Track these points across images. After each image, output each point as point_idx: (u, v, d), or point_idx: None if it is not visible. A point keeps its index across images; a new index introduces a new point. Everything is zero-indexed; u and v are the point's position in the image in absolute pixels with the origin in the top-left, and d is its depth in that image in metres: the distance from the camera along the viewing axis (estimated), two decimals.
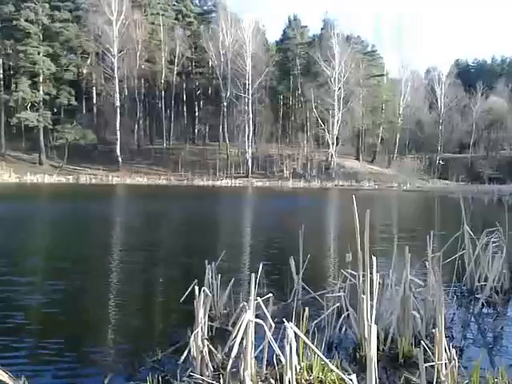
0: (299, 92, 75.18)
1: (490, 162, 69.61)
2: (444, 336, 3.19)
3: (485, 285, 5.84)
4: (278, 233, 12.97)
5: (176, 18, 74.59)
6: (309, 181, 62.79)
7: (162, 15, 70.64)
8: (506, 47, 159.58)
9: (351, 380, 2.59)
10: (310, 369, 3.43)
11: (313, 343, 3.63)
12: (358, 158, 73.35)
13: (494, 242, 6.22)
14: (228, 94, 66.00)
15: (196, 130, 76.00)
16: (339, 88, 66.34)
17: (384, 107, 74.84)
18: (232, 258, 8.18)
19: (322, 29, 76.70)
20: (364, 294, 2.35)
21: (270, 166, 67.23)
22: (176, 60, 69.34)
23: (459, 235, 6.40)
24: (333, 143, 66.82)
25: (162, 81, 67.99)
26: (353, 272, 4.74)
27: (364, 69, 71.30)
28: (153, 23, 69.35)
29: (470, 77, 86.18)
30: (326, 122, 67.52)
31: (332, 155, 66.89)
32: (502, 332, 4.86)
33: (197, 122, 75.65)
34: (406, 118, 73.56)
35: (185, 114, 73.80)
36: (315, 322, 4.37)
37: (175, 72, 69.64)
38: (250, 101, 65.44)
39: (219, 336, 4.26)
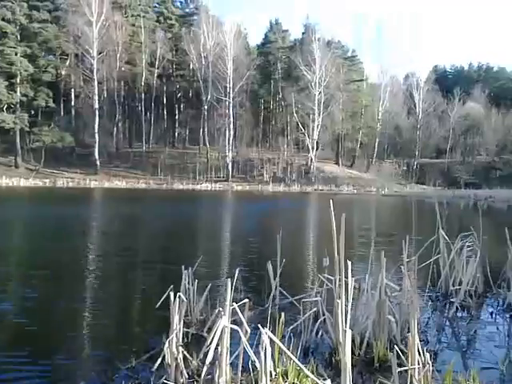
0: (280, 96, 75.56)
1: (466, 167, 70.95)
2: (418, 340, 3.22)
3: (459, 289, 5.92)
4: (257, 237, 12.95)
5: (157, 20, 74.27)
6: (289, 185, 63.05)
7: (143, 17, 70.22)
8: (483, 54, 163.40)
9: None
10: (285, 374, 3.42)
11: (289, 348, 3.63)
12: (337, 163, 73.99)
13: (468, 247, 6.32)
14: (209, 97, 65.89)
15: (176, 134, 75.65)
16: (319, 92, 66.89)
17: (363, 112, 75.77)
18: (210, 264, 8.13)
19: (303, 33, 77.33)
20: (339, 298, 2.35)
21: (250, 169, 67.28)
22: (157, 62, 68.98)
23: (434, 240, 6.49)
24: (313, 148, 67.28)
25: (142, 83, 67.50)
26: (329, 276, 4.76)
27: (344, 74, 72.08)
28: (133, 25, 68.88)
29: (448, 83, 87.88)
30: (306, 127, 67.95)
31: (312, 159, 67.32)
32: (476, 335, 4.93)
33: (177, 125, 75.32)
34: (384, 123, 74.57)
35: (165, 116, 73.41)
36: (292, 327, 4.37)
37: (156, 74, 69.25)
38: (231, 104, 65.46)
39: (195, 342, 4.22)
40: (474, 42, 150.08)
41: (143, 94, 68.12)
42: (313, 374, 3.50)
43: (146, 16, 71.18)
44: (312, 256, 9.89)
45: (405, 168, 73.88)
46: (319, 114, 67.23)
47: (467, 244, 6.36)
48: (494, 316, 5.58)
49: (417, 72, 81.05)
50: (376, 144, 74.03)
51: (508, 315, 5.59)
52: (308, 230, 16.06)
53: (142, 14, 70.40)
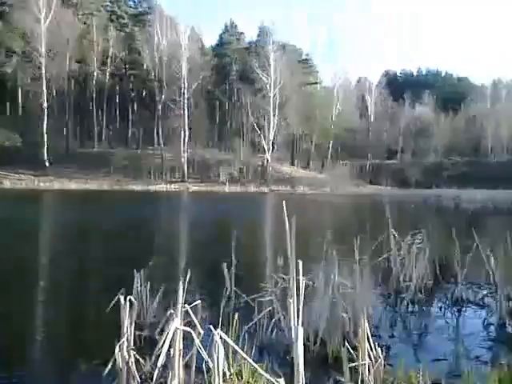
0: (235, 97, 75.64)
1: (416, 168, 73.55)
2: (369, 336, 3.27)
3: (410, 285, 6.09)
4: (213, 238, 12.86)
5: (109, 19, 72.58)
6: (245, 185, 63.20)
7: (95, 15, 68.38)
8: (431, 60, 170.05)
9: (279, 383, 2.59)
10: (239, 374, 3.40)
11: (243, 348, 3.61)
12: (292, 164, 74.97)
13: (417, 243, 6.51)
14: (163, 97, 65.08)
15: (129, 134, 74.16)
16: (275, 95, 67.52)
17: (318, 114, 77.07)
18: (165, 265, 7.99)
19: (258, 36, 77.82)
20: (291, 297, 2.35)
21: (206, 170, 66.97)
22: (109, 61, 67.48)
23: (385, 238, 6.66)
24: (268, 149, 67.79)
25: (94, 82, 65.78)
26: (284, 276, 4.78)
27: (299, 76, 73.08)
28: (85, 23, 67.03)
29: (398, 87, 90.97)
30: (261, 128, 68.40)
31: (268, 160, 67.82)
32: (426, 329, 5.08)
33: (130, 125, 73.87)
34: (338, 124, 76.20)
35: (118, 116, 71.83)
36: (247, 326, 4.36)
37: (108, 73, 67.70)
38: (186, 105, 64.94)
39: (148, 345, 4.13)
40: (424, 48, 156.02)
41: (95, 94, 66.38)
42: (267, 372, 3.49)
43: (97, 14, 69.36)
44: (268, 256, 9.92)
45: (358, 169, 75.73)
46: (274, 116, 67.85)
47: (417, 241, 6.54)
48: (443, 310, 5.77)
49: (369, 76, 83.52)
50: (330, 145, 75.55)
51: (456, 309, 5.79)
52: (264, 231, 16.11)
53: (93, 13, 68.56)
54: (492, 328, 5.00)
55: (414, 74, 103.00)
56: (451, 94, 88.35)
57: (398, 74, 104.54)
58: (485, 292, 6.33)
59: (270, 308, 4.58)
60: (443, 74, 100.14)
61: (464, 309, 5.78)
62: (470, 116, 76.60)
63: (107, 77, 67.66)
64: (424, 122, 77.93)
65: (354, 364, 2.49)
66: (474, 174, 64.49)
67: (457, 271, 6.12)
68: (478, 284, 6.87)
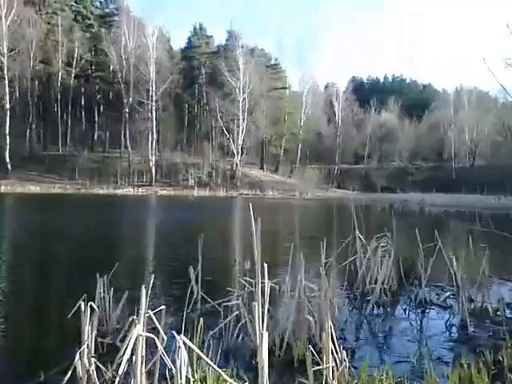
0: (204, 101, 75.39)
1: (382, 172, 75.03)
2: (334, 338, 3.28)
3: (375, 287, 6.16)
4: (180, 243, 12.71)
5: (75, 19, 71.10)
6: (214, 189, 62.94)
7: (59, 15, 66.85)
8: (396, 67, 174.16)
9: None
10: (204, 380, 3.35)
11: (208, 353, 3.56)
12: (262, 168, 75.18)
13: (382, 247, 6.60)
14: (130, 99, 64.20)
15: (95, 137, 72.76)
16: (244, 99, 67.61)
17: (286, 119, 77.63)
18: (130, 271, 7.85)
19: (226, 40, 77.85)
20: (256, 301, 2.33)
21: (174, 174, 66.36)
22: (74, 62, 66.10)
23: (351, 241, 6.74)
24: (238, 153, 67.80)
25: (59, 83, 64.24)
26: (250, 280, 4.75)
27: (267, 81, 73.47)
28: (49, 23, 65.48)
29: (365, 93, 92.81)
30: (230, 132, 68.35)
31: (237, 164, 67.80)
32: (391, 331, 5.14)
33: (96, 127, 72.51)
34: (306, 129, 76.96)
35: (83, 119, 70.37)
36: (213, 331, 4.31)
37: (73, 75, 66.33)
38: (154, 108, 64.27)
39: (111, 352, 4.01)
40: (389, 55, 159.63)
41: (59, 95, 64.81)
42: (232, 377, 3.45)
43: (62, 14, 67.82)
44: (236, 259, 9.86)
45: (326, 173, 76.62)
46: (244, 120, 67.93)
47: (381, 244, 6.64)
48: (407, 312, 5.86)
49: (336, 82, 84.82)
50: (299, 150, 76.15)
51: (420, 310, 5.89)
52: (232, 234, 16.05)
53: (57, 12, 66.99)
54: (454, 329, 5.11)
55: (381, 80, 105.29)
56: (416, 101, 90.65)
57: (364, 80, 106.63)
58: (448, 294, 6.48)
59: (237, 312, 4.55)
60: (408, 81, 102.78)
61: (427, 310, 5.89)
62: (433, 122, 78.69)
63: (72, 78, 66.21)
64: (389, 128, 79.65)
65: (318, 367, 2.48)
66: (437, 178, 66.20)
67: (421, 273, 6.23)
68: (442, 286, 7.04)
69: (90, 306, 3.40)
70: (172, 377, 3.16)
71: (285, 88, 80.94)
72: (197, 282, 5.67)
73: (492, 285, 6.96)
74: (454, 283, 5.59)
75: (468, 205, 35.87)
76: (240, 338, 4.32)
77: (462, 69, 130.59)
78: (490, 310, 5.51)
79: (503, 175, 51.48)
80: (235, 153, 67.83)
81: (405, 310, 5.93)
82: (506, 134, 66.65)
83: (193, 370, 3.36)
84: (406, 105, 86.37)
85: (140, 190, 58.85)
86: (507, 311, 5.66)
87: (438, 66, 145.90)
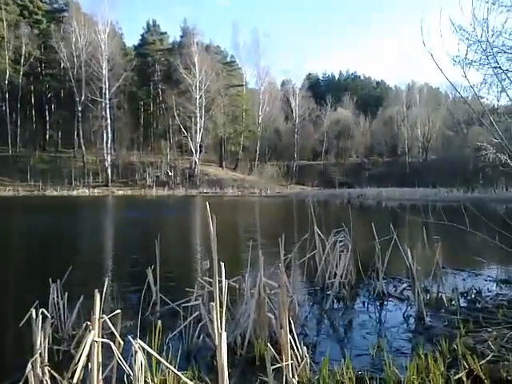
0: (160, 98, 74.27)
1: (339, 168, 76.29)
2: (295, 335, 3.28)
3: (334, 281, 6.24)
4: (138, 245, 12.45)
5: (21, 14, 68.05)
6: (173, 188, 62.19)
7: (4, 9, 63.76)
8: (351, 64, 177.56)
9: None
10: (164, 383, 3.28)
11: (168, 356, 3.49)
12: (221, 166, 74.84)
13: (340, 241, 6.68)
14: (82, 98, 62.35)
15: (47, 136, 70.27)
16: (200, 96, 67.04)
17: (244, 116, 77.61)
18: (85, 275, 7.61)
19: (181, 36, 76.90)
20: (213, 301, 2.28)
21: (131, 173, 65.09)
22: (22, 60, 63.44)
23: (309, 237, 6.79)
24: (196, 151, 67.22)
25: (6, 81, 61.49)
26: (210, 279, 4.69)
27: (224, 78, 73.16)
28: None
29: (321, 90, 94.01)
30: (188, 130, 67.64)
31: (196, 162, 67.22)
32: (351, 324, 5.20)
33: (48, 127, 70.03)
34: (264, 126, 77.19)
35: (33, 118, 67.77)
36: (173, 333, 4.24)
37: (21, 72, 63.65)
38: (108, 106, 62.72)
39: (67, 360, 3.87)
40: (344, 52, 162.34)
41: (7, 94, 62.06)
42: (194, 379, 3.40)
43: (6, 8, 64.73)
44: (194, 260, 9.76)
45: (285, 170, 77.18)
46: (201, 117, 67.39)
47: (339, 239, 6.72)
48: (366, 305, 5.96)
49: (292, 79, 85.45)
50: (257, 147, 76.29)
51: (378, 303, 6.01)
52: (192, 234, 15.89)
53: (2, 6, 63.85)
54: (411, 320, 5.24)
55: (336, 77, 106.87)
56: (370, 97, 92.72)
57: (320, 77, 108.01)
58: (404, 285, 6.64)
59: (197, 313, 4.49)
60: (362, 78, 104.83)
61: (385, 302, 6.02)
62: (387, 118, 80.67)
63: (21, 76, 63.60)
64: (345, 124, 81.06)
65: (278, 365, 2.47)
66: (392, 173, 67.88)
67: (378, 267, 6.35)
68: (399, 278, 7.21)
69: (42, 313, 3.25)
70: (131, 382, 3.08)
71: (241, 85, 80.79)
72: (155, 283, 5.57)
73: (446, 275, 7.21)
74: (410, 275, 5.72)
75: (422, 198, 37.09)
76: (201, 338, 4.26)
77: (413, 65, 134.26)
78: (444, 300, 5.68)
79: (454, 169, 53.51)
80: (193, 151, 67.22)
81: (364, 303, 6.03)
82: (457, 129, 69.17)
83: (152, 373, 3.29)
84: (361, 101, 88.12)
85: (96, 190, 57.35)
86: (461, 300, 5.86)
87: (392, 63, 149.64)
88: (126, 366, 2.88)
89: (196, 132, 67.34)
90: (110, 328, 3.01)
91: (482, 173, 45.12)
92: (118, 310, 3.35)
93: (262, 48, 74.23)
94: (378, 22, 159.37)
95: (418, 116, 75.61)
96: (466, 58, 5.61)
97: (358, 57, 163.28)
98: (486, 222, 5.41)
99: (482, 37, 5.41)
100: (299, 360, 3.42)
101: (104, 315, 2.94)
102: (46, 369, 3.20)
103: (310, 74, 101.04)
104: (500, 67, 6.10)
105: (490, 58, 5.77)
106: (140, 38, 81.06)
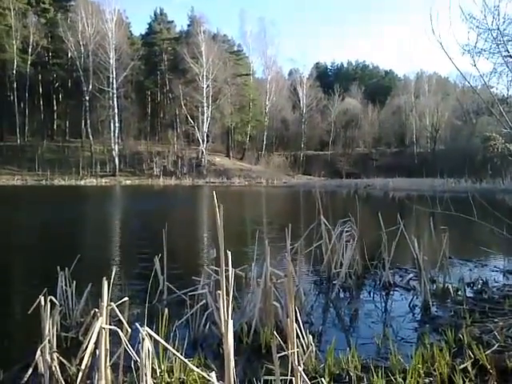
0: (167, 88, 74.11)
1: (346, 158, 75.96)
2: (300, 324, 3.30)
3: (340, 271, 6.25)
4: (146, 234, 12.53)
5: (29, 3, 67.96)
6: (180, 178, 62.32)
7: None
8: (359, 53, 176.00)
9: (210, 377, 2.54)
10: (171, 370, 3.32)
11: (175, 343, 3.52)
12: (228, 155, 74.75)
13: (347, 231, 6.68)
14: (90, 87, 62.38)
15: (55, 126, 70.49)
16: (207, 85, 66.82)
17: (251, 106, 77.28)
18: (94, 263, 7.68)
19: (188, 25, 76.50)
20: (220, 289, 2.30)
21: (138, 163, 65.25)
22: (30, 49, 63.46)
23: (316, 226, 6.79)
24: (203, 140, 67.16)
25: (14, 71, 61.63)
26: (216, 268, 4.72)
27: (231, 67, 72.78)
28: (0, 6, 62.43)
29: (329, 79, 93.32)
30: (195, 119, 67.53)
31: (203, 152, 67.21)
32: (356, 314, 5.22)
33: (55, 116, 70.22)
34: (271, 116, 76.86)
35: (41, 107, 67.94)
36: (180, 321, 4.27)
37: (29, 62, 63.70)
38: (115, 95, 62.73)
39: (75, 347, 3.91)
40: (352, 41, 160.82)
41: (15, 83, 62.20)
42: (200, 366, 3.43)
43: None
44: (202, 249, 9.81)
45: (292, 160, 76.99)
46: (208, 107, 67.22)
47: (346, 229, 6.71)
48: (371, 294, 5.97)
49: (300, 68, 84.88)
50: (264, 137, 76.10)
51: (384, 293, 6.02)
52: (198, 224, 15.95)
53: None
54: (417, 310, 5.25)
55: (344, 66, 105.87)
56: (378, 87, 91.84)
57: (328, 66, 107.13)
58: (411, 275, 6.64)
59: (204, 301, 4.52)
60: (370, 67, 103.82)
61: (391, 292, 6.03)
62: (395, 108, 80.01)
63: (28, 65, 63.68)
64: (353, 114, 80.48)
65: (284, 353, 2.49)
66: (400, 163, 67.48)
67: (384, 257, 6.35)
68: (405, 268, 7.21)
69: (51, 301, 3.30)
70: (138, 369, 3.12)
71: (248, 75, 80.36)
72: (162, 272, 5.61)
73: (453, 266, 7.20)
74: (417, 265, 5.72)
75: (429, 189, 36.89)
76: (207, 326, 4.30)
77: (422, 54, 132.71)
78: (451, 290, 5.68)
79: (463, 159, 53.05)
80: (200, 141, 67.17)
81: (370, 293, 6.04)
82: (465, 119, 68.48)
83: (159, 360, 3.33)
84: (369, 91, 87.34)
85: (103, 180, 57.64)
86: (467, 291, 5.86)
87: (401, 52, 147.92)
88: (133, 352, 2.91)
89: (203, 122, 67.22)
90: (117, 315, 3.04)
91: (491, 163, 44.75)
92: (126, 298, 3.39)
93: (269, 36, 73.78)
94: (391, 9, 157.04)
95: (426, 106, 74.81)
96: (475, 47, 5.55)
97: (369, 44, 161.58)
98: (494, 213, 5.38)
99: (492, 25, 5.34)
100: (305, 348, 3.44)
101: (112, 303, 2.97)
102: (55, 355, 3.25)
103: (318, 63, 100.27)
104: (511, 56, 6.02)
105: (500, 46, 5.70)
106: (147, 26, 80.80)
